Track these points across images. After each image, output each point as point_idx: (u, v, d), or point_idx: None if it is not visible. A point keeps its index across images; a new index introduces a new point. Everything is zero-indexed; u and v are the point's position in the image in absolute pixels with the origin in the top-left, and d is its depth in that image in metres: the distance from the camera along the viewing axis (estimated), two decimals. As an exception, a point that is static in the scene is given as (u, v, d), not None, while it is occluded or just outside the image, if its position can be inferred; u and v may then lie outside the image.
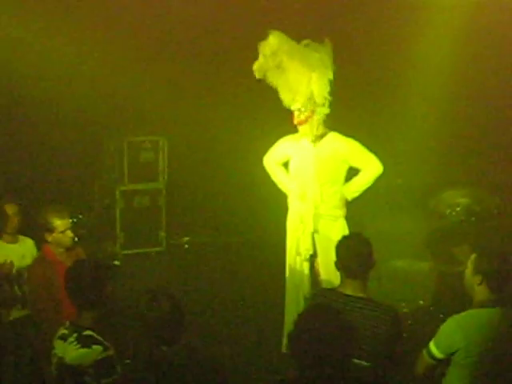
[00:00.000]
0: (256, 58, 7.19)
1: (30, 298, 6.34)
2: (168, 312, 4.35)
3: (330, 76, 7.07)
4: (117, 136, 9.82)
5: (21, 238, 6.77)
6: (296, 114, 7.09)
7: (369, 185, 7.20)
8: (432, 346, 4.90)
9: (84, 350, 4.53)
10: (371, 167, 7.15)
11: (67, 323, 4.74)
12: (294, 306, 7.05)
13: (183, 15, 8.81)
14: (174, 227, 10.21)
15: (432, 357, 4.90)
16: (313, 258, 7.19)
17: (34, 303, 6.21)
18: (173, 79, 9.50)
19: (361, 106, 7.84)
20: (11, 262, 6.51)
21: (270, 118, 7.80)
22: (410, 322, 7.77)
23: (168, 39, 9.48)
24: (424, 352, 4.95)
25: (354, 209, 7.28)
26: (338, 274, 5.34)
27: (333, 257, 5.31)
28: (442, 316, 7.22)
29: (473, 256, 5.05)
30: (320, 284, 7.14)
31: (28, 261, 6.61)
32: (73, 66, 8.91)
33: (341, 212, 7.16)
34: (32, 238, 6.78)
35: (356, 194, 7.22)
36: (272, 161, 7.47)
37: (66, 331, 4.69)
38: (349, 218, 7.21)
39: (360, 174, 7.19)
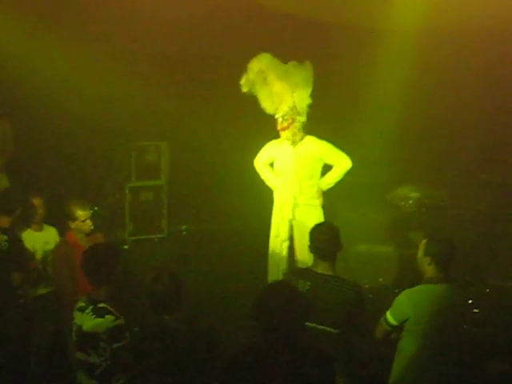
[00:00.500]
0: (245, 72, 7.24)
1: (53, 276, 6.37)
2: (169, 287, 4.42)
3: (310, 91, 7.15)
4: (126, 141, 9.81)
5: (45, 226, 6.76)
6: (279, 121, 7.19)
7: (340, 177, 7.31)
8: (388, 314, 4.93)
9: (99, 320, 4.54)
10: (342, 163, 7.26)
11: (84, 297, 4.74)
12: (274, 279, 7.08)
13: (185, 28, 8.73)
14: (174, 217, 10.18)
15: (388, 324, 4.93)
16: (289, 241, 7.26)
17: (56, 279, 6.23)
18: (173, 93, 9.48)
19: (332, 116, 7.85)
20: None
21: (257, 124, 7.79)
22: (370, 295, 7.78)
23: (166, 56, 9.43)
24: (382, 320, 4.98)
25: (326, 201, 7.35)
26: (311, 255, 5.36)
27: (307, 241, 5.33)
28: (396, 291, 7.27)
29: (423, 241, 5.08)
30: (296, 263, 7.19)
31: (51, 246, 6.62)
32: (90, 83, 8.82)
33: (318, 201, 7.27)
34: (55, 226, 6.78)
35: (330, 186, 7.34)
36: (260, 162, 7.57)
37: (83, 304, 4.70)
38: (323, 209, 7.29)
39: (333, 169, 7.30)
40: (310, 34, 9.30)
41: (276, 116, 7.24)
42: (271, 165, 7.52)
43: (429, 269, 4.97)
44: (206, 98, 9.60)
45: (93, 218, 6.35)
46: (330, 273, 5.14)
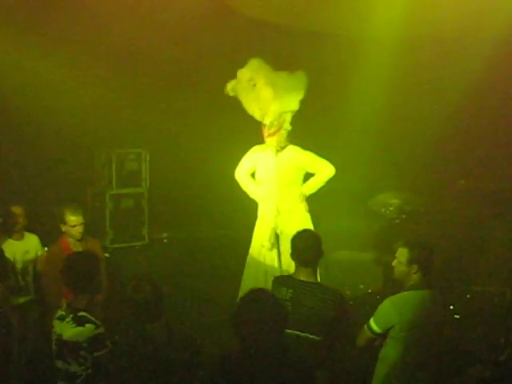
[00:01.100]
0: (227, 80, 7.20)
1: (42, 279, 6.31)
2: (150, 295, 4.37)
3: (299, 99, 7.11)
4: (106, 149, 9.75)
5: (26, 235, 6.71)
6: (267, 127, 7.11)
7: (323, 184, 7.31)
8: (372, 322, 4.89)
9: (79, 328, 4.50)
10: (325, 170, 7.25)
11: (64, 306, 4.70)
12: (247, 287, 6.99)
13: (168, 37, 8.67)
14: (155, 225, 10.12)
15: (372, 331, 4.89)
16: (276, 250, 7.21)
17: (44, 283, 6.19)
18: (153, 102, 9.43)
19: (312, 122, 7.83)
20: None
21: (238, 132, 7.78)
22: (351, 302, 7.76)
23: (146, 63, 9.38)
24: (365, 327, 4.94)
25: (309, 210, 7.30)
26: (293, 262, 5.32)
27: (289, 249, 5.29)
28: (378, 297, 7.25)
29: (403, 250, 5.02)
30: (281, 271, 7.13)
31: (32, 255, 6.60)
32: (71, 91, 8.75)
33: (301, 206, 7.21)
34: (37, 234, 6.75)
35: (313, 191, 7.32)
36: (242, 172, 7.46)
37: (63, 312, 4.66)
38: (309, 214, 7.26)
39: (316, 176, 7.29)
40: (286, 42, 9.26)
41: (264, 122, 7.19)
42: (253, 175, 7.45)
43: (414, 276, 4.94)
44: (187, 105, 9.56)
45: (85, 225, 6.32)
46: (312, 280, 5.11)
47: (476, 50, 9.01)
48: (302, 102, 7.19)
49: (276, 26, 9.43)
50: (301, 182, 7.28)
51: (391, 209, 8.80)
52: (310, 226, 6.95)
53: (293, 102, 7.14)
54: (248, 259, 7.31)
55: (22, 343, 6.41)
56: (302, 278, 5.10)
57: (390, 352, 4.86)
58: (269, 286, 5.58)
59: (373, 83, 9.03)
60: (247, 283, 7.09)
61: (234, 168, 7.53)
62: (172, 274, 8.54)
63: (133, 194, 9.89)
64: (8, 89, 8.40)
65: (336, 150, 7.79)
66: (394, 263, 5.05)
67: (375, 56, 9.03)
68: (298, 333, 4.86)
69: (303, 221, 7.12)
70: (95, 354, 4.44)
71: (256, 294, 3.95)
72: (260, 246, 7.23)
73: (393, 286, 5.26)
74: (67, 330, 4.53)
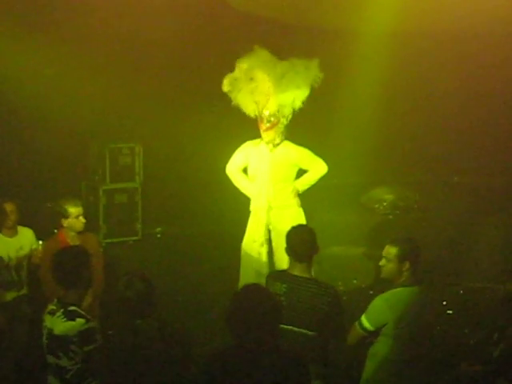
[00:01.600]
0: (223, 75, 7.10)
1: (40, 273, 6.24)
2: (142, 291, 4.37)
3: (305, 94, 7.00)
4: (100, 143, 9.67)
5: (20, 230, 6.66)
6: (266, 120, 6.99)
7: (316, 181, 7.26)
8: (364, 320, 4.85)
9: (70, 323, 4.45)
10: (318, 168, 7.19)
11: (55, 300, 4.64)
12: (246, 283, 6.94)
13: (162, 31, 8.60)
14: (149, 220, 10.06)
15: (364, 329, 4.85)
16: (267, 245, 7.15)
17: (42, 277, 6.13)
18: (147, 96, 9.36)
19: (305, 118, 7.77)
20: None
21: (232, 127, 7.72)
22: (345, 297, 7.70)
23: (140, 58, 9.31)
24: (356, 324, 4.90)
25: (302, 205, 7.26)
26: (285, 258, 5.26)
27: (284, 244, 5.24)
28: (371, 292, 7.21)
29: (391, 248, 4.96)
30: (274, 266, 7.09)
31: (26, 250, 6.56)
32: (64, 85, 8.68)
33: (293, 201, 7.15)
34: (32, 229, 6.70)
35: (305, 187, 7.26)
36: (234, 167, 7.38)
37: (54, 307, 4.61)
38: (301, 209, 7.23)
39: (309, 172, 7.23)
40: (280, 37, 9.19)
41: (263, 114, 7.05)
42: (245, 171, 7.36)
43: (405, 273, 4.89)
44: (180, 100, 9.50)
45: (85, 214, 6.33)
46: (307, 275, 5.06)
47: (471, 43, 9.00)
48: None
49: (269, 20, 9.39)
50: (294, 178, 7.22)
51: (385, 204, 8.79)
52: (303, 222, 6.91)
53: (296, 99, 6.98)
54: (241, 256, 7.27)
55: (13, 338, 6.37)
56: (296, 273, 5.04)
57: (381, 348, 4.82)
58: (262, 281, 5.53)
59: (367, 79, 9.00)
60: (244, 279, 7.07)
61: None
62: (165, 269, 8.50)
63: (126, 188, 9.81)
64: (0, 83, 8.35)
65: (329, 145, 7.77)
66: (382, 263, 5.01)
67: (370, 51, 9.02)
68: (292, 328, 4.82)
69: (296, 216, 7.07)
70: (85, 348, 4.40)
71: (250, 289, 3.90)
72: (252, 241, 7.18)
73: (386, 281, 5.20)
74: (58, 324, 4.48)
